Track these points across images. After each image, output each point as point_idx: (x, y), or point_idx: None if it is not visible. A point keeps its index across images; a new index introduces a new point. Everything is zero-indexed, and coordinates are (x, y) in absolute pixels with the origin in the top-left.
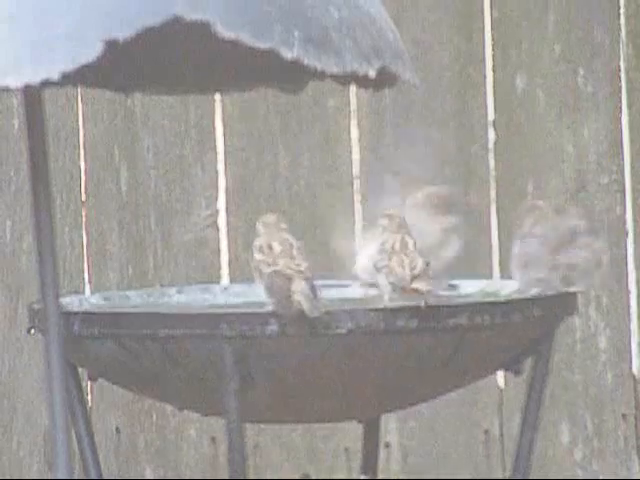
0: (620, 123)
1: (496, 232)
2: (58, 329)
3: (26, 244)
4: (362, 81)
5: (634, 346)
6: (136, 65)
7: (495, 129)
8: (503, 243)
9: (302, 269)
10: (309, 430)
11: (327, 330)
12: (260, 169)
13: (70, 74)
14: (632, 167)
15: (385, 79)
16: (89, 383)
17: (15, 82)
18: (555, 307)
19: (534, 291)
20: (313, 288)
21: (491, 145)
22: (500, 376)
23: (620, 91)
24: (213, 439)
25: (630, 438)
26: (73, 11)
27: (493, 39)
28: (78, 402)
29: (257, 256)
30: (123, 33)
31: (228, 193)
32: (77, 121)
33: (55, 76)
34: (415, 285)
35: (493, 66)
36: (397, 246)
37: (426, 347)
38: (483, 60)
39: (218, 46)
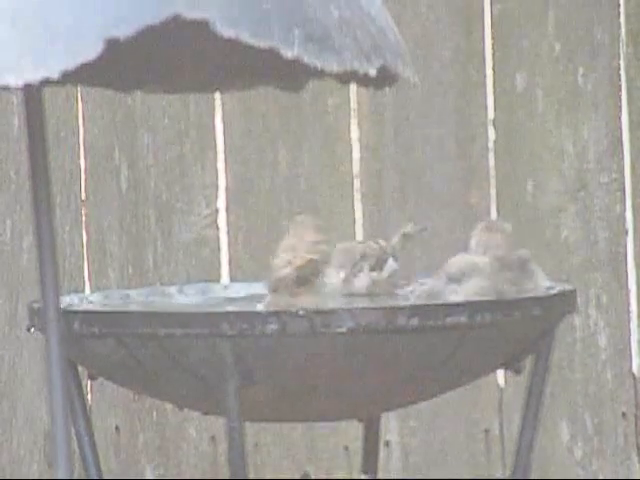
0: (620, 122)
1: None
2: (58, 328)
3: (26, 243)
4: (362, 80)
5: (634, 345)
6: (136, 64)
7: (495, 128)
8: None
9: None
10: (309, 429)
11: (327, 329)
12: (260, 168)
13: (70, 73)
14: (632, 166)
15: (385, 78)
16: (89, 382)
17: (15, 81)
18: (555, 306)
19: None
20: None
21: (491, 144)
22: (500, 375)
23: (620, 90)
24: (213, 438)
25: (630, 437)
26: (73, 10)
27: (493, 37)
28: (78, 401)
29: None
30: (123, 32)
31: (228, 192)
32: (77, 120)
33: (55, 75)
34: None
35: (493, 65)
36: None
37: (426, 345)
38: (483, 59)
39: (218, 45)
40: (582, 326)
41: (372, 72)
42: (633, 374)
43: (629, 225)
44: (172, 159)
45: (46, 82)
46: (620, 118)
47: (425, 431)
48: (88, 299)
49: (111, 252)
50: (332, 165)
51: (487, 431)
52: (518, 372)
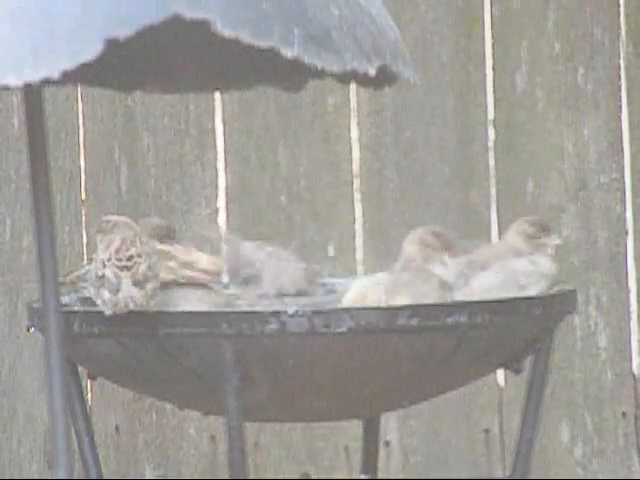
0: (620, 122)
1: (496, 230)
2: (58, 328)
3: (26, 243)
4: (362, 79)
5: (634, 344)
6: (136, 64)
7: (495, 128)
8: None
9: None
10: (309, 429)
11: (327, 329)
12: (260, 168)
13: (70, 73)
14: (632, 166)
15: (385, 77)
16: (89, 382)
17: (15, 81)
18: (555, 306)
19: None
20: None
21: (491, 144)
22: (500, 375)
23: (620, 90)
24: (213, 438)
25: (630, 436)
26: (73, 10)
27: (493, 37)
28: (78, 401)
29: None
30: (123, 32)
31: (228, 192)
32: (77, 120)
33: (55, 75)
34: None
35: (493, 64)
36: None
37: (426, 346)
38: (483, 58)
39: (218, 44)
40: (582, 326)
41: (372, 72)
42: (633, 374)
43: (629, 225)
44: (172, 159)
45: (46, 82)
46: (620, 118)
47: (425, 431)
48: (88, 299)
49: None
50: (332, 165)
51: (487, 431)
52: (518, 372)
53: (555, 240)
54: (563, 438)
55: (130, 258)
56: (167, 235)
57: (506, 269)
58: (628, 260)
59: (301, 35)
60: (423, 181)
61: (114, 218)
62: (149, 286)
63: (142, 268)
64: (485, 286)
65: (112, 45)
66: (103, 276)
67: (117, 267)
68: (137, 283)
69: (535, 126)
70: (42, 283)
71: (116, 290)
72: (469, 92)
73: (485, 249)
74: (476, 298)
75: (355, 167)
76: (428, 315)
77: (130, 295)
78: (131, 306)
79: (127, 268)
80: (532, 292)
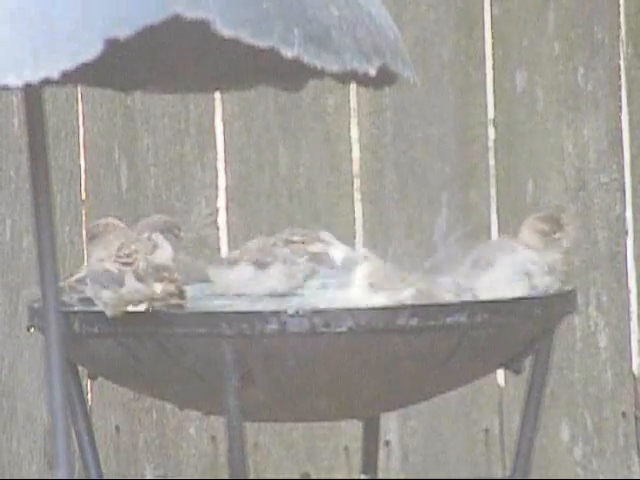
0: (620, 122)
1: (496, 230)
2: (58, 328)
3: (26, 243)
4: (362, 79)
5: (634, 344)
6: (136, 64)
7: (495, 128)
8: None
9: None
10: (309, 429)
11: (327, 328)
12: (260, 168)
13: (70, 73)
14: (632, 166)
15: (385, 77)
16: (89, 382)
17: (15, 81)
18: (555, 306)
19: None
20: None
21: (491, 143)
22: (500, 375)
23: (620, 89)
24: (213, 438)
25: (630, 436)
26: (73, 10)
27: (493, 37)
28: (78, 401)
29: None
30: (123, 32)
31: (228, 192)
32: (77, 120)
33: (55, 75)
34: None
35: (493, 64)
36: None
37: (426, 345)
38: (483, 58)
39: (218, 45)
40: (582, 326)
41: (372, 72)
42: (633, 374)
43: (629, 225)
44: (172, 159)
45: (46, 82)
46: (620, 118)
47: (425, 431)
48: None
49: None
50: (332, 165)
51: (487, 431)
52: (518, 372)
53: (571, 234)
54: (563, 438)
55: (130, 255)
56: (170, 230)
57: (511, 259)
58: (628, 260)
59: (301, 35)
60: (423, 181)
61: (103, 221)
62: (150, 282)
63: (142, 264)
64: (492, 277)
65: (112, 45)
66: (104, 273)
67: (119, 263)
68: (140, 278)
69: (535, 126)
70: (42, 283)
71: (119, 285)
72: (469, 92)
73: (490, 245)
74: (482, 295)
75: (355, 167)
76: (428, 315)
77: (135, 289)
78: (137, 299)
79: (129, 264)
80: (539, 281)
